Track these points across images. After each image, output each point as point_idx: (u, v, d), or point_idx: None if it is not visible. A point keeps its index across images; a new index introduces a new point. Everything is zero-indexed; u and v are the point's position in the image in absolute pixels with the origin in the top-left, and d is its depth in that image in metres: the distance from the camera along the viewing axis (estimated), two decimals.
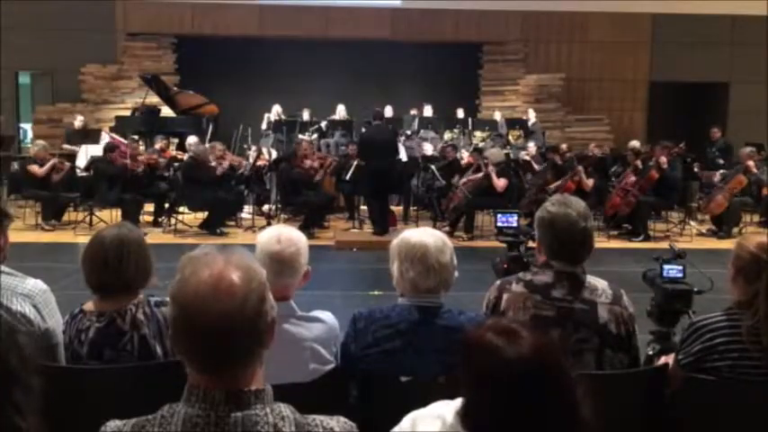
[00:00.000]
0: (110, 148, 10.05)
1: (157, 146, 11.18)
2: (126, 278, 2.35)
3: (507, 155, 11.44)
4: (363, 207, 10.26)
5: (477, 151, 10.58)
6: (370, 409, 2.24)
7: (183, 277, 1.31)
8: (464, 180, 9.94)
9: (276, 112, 12.70)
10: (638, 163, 10.05)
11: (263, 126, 12.75)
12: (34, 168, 9.86)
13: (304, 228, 9.07)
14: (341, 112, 12.87)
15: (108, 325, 2.33)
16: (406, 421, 1.57)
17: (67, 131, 12.67)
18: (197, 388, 1.31)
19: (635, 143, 11.32)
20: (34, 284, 2.43)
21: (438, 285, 2.36)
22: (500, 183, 9.60)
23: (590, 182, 9.90)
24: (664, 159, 9.66)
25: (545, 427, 1.32)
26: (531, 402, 1.31)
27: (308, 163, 10.02)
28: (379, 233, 9.21)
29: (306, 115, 12.58)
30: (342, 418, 1.44)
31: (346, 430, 1.41)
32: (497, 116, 13.58)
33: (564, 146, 11.93)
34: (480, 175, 9.75)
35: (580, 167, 9.92)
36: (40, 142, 10.60)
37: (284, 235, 2.35)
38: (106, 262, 2.34)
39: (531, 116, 13.52)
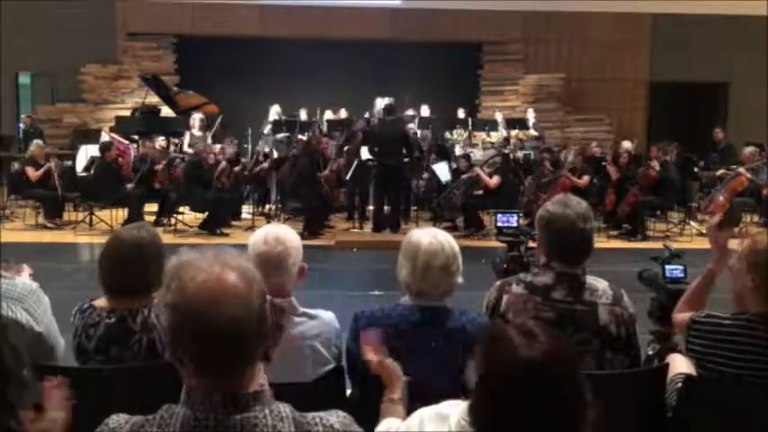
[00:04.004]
0: (105, 147, 10.05)
1: (158, 145, 11.18)
2: (142, 280, 2.33)
3: (507, 155, 11.44)
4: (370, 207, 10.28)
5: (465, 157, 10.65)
6: (371, 408, 2.24)
7: (182, 283, 1.28)
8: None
9: (275, 112, 12.70)
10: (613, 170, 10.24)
11: (264, 129, 12.72)
12: (30, 171, 9.85)
13: (306, 230, 9.09)
14: (340, 112, 12.89)
15: (118, 322, 2.32)
16: (414, 419, 1.58)
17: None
18: (196, 390, 1.31)
19: (627, 144, 11.30)
20: (23, 286, 2.41)
21: (438, 287, 2.35)
22: (492, 181, 9.65)
23: (585, 179, 9.95)
24: (656, 163, 9.78)
25: (546, 430, 1.32)
26: (533, 404, 1.31)
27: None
28: (394, 230, 9.32)
29: (303, 115, 12.59)
30: (341, 413, 1.44)
31: (346, 425, 1.41)
32: (498, 117, 13.59)
33: (556, 149, 11.83)
34: (470, 174, 9.84)
35: (565, 172, 9.97)
36: (37, 141, 10.55)
37: (271, 235, 2.33)
38: (125, 264, 2.33)
39: (531, 116, 13.51)
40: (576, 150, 10.60)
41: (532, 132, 13.02)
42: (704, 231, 10.20)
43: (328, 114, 12.75)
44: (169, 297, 1.29)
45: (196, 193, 9.55)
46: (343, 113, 12.86)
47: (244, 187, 10.80)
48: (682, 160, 11.65)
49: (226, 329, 1.26)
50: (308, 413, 1.39)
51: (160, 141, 11.21)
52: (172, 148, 11.56)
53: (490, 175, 9.74)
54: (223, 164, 9.96)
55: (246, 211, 10.72)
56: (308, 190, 9.62)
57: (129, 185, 9.77)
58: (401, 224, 9.76)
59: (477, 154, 11.22)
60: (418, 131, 11.82)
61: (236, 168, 10.08)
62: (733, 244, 2.60)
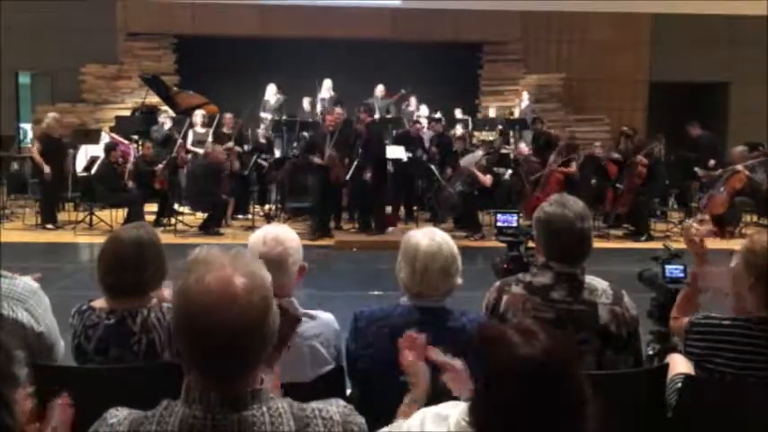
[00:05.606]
0: (111, 148, 10.08)
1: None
2: (142, 280, 2.33)
3: (507, 154, 11.46)
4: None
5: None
6: (370, 408, 2.24)
7: (190, 280, 1.30)
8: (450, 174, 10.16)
9: (272, 92, 12.73)
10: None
11: (261, 113, 12.76)
12: (36, 148, 9.72)
13: (312, 234, 9.10)
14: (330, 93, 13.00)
15: (118, 323, 2.32)
16: (416, 418, 1.58)
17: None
18: (194, 389, 1.31)
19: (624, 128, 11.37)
20: (24, 286, 2.41)
21: (437, 289, 2.35)
22: (486, 179, 9.72)
23: (572, 166, 10.11)
24: (641, 158, 9.87)
25: (547, 428, 1.32)
26: (535, 403, 1.31)
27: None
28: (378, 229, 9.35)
29: (306, 104, 12.65)
30: (341, 402, 1.44)
31: (345, 414, 1.41)
32: (492, 112, 13.64)
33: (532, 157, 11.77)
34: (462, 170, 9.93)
35: (554, 167, 10.13)
36: (53, 114, 10.27)
37: (270, 235, 2.33)
38: (124, 264, 2.32)
39: (525, 99, 13.57)
40: (560, 148, 10.67)
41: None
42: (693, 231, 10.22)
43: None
44: (175, 293, 1.31)
45: (203, 193, 9.56)
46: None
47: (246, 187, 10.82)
48: (682, 161, 11.66)
49: (217, 333, 1.26)
50: (307, 405, 1.39)
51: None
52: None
53: (484, 173, 9.83)
54: (230, 143, 10.03)
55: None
56: (317, 181, 9.53)
57: (130, 183, 9.79)
58: (398, 224, 9.80)
59: (477, 154, 11.23)
60: (425, 127, 11.78)
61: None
62: (734, 244, 2.60)
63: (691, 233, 2.58)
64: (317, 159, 9.46)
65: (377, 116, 12.36)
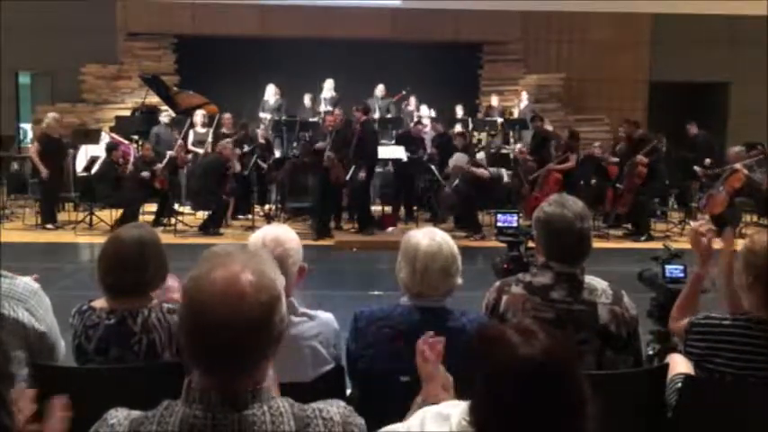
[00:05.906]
0: (112, 147, 10.08)
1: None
2: (142, 280, 2.33)
3: (506, 154, 11.46)
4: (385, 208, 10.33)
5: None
6: (370, 408, 2.24)
7: (199, 274, 1.30)
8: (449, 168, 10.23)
9: (272, 93, 12.73)
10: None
11: (261, 113, 12.77)
12: (34, 147, 9.68)
13: (315, 234, 9.11)
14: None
15: (118, 324, 2.31)
16: (416, 418, 1.58)
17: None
18: (195, 389, 1.31)
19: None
20: (25, 286, 2.40)
21: (437, 289, 2.35)
22: (483, 172, 9.84)
23: (572, 159, 10.22)
24: (641, 158, 9.87)
25: (547, 428, 1.32)
26: (535, 403, 1.31)
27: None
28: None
29: (307, 100, 12.64)
30: (341, 403, 1.44)
31: (345, 415, 1.41)
32: (494, 101, 13.63)
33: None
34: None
35: (551, 166, 10.25)
36: (53, 114, 10.21)
37: (270, 236, 2.33)
38: (124, 264, 2.32)
39: (524, 99, 13.58)
40: (556, 143, 10.72)
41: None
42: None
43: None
44: (186, 283, 1.31)
45: (206, 192, 9.56)
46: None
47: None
48: (682, 161, 11.66)
49: (217, 330, 1.26)
50: (308, 405, 1.39)
51: None
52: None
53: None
54: (225, 141, 10.07)
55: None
56: (317, 181, 9.52)
57: (145, 173, 9.76)
58: (397, 224, 9.80)
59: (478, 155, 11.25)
60: (428, 127, 11.76)
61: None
62: (726, 244, 2.61)
63: (699, 232, 2.58)
64: (319, 145, 9.49)
65: (376, 116, 12.37)
